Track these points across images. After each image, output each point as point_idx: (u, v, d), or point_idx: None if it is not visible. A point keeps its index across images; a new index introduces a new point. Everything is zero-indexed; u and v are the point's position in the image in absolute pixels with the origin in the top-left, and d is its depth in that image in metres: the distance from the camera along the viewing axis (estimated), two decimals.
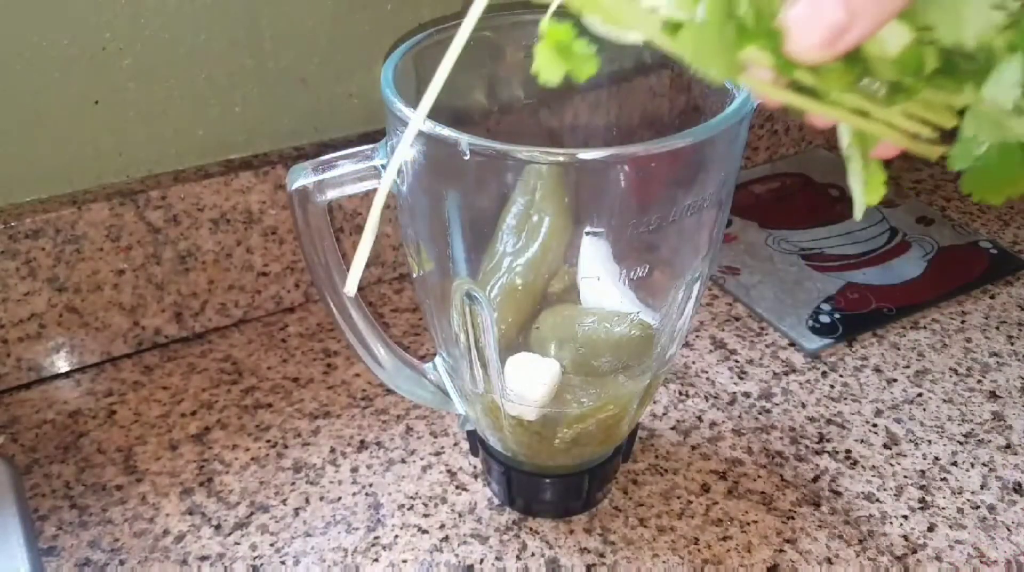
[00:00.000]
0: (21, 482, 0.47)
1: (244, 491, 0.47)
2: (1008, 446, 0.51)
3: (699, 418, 0.52)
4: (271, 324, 0.59)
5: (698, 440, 0.51)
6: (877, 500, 0.47)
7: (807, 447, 0.51)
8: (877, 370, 0.56)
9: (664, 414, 0.52)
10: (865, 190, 0.28)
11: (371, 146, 0.38)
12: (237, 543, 0.45)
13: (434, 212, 0.37)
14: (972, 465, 0.49)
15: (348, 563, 0.44)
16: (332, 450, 0.50)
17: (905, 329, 0.59)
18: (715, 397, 0.54)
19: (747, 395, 0.54)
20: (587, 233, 0.37)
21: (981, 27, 0.23)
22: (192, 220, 0.54)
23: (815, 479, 0.49)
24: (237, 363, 0.56)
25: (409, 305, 0.61)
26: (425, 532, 0.45)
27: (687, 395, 0.54)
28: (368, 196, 0.58)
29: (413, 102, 0.35)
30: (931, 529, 0.46)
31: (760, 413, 0.53)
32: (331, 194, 0.38)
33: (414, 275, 0.42)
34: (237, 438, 0.50)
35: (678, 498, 0.47)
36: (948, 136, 0.27)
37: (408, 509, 0.46)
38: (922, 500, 0.47)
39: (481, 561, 0.44)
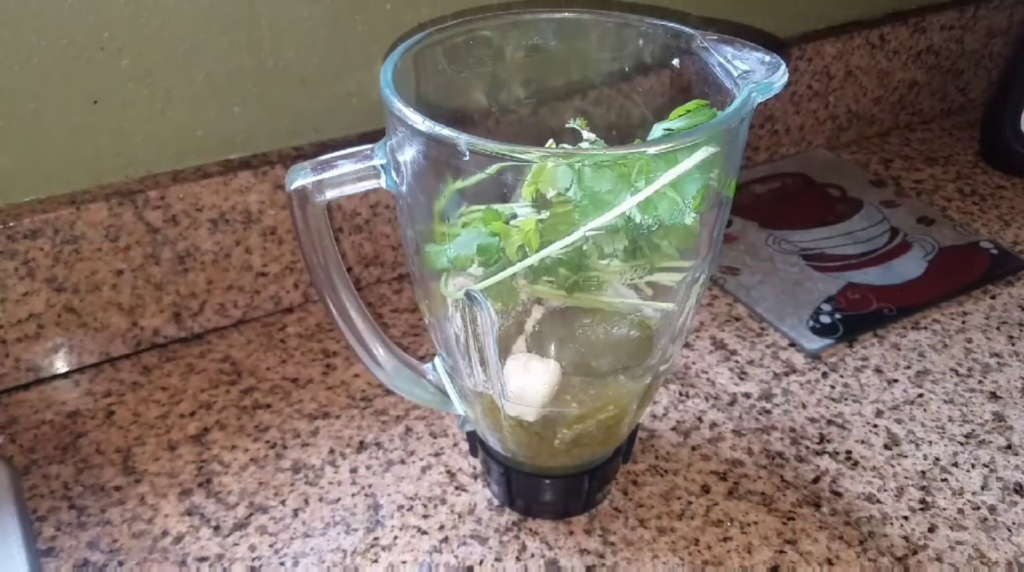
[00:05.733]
0: (20, 483, 0.47)
1: (243, 492, 0.47)
2: (1009, 447, 0.51)
3: (699, 419, 0.52)
4: (270, 324, 0.59)
5: (698, 441, 0.51)
6: (878, 501, 0.47)
7: (808, 448, 0.50)
8: (878, 371, 0.56)
9: (664, 415, 0.52)
10: None
11: (370, 146, 0.38)
12: (236, 544, 0.44)
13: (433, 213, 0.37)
14: (973, 466, 0.49)
15: (347, 564, 0.43)
16: (331, 451, 0.50)
17: (906, 329, 0.59)
18: (715, 398, 0.54)
19: (747, 396, 0.54)
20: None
21: None
22: (191, 220, 0.54)
23: (816, 480, 0.48)
24: (236, 364, 0.56)
25: (408, 305, 0.61)
26: (424, 533, 0.45)
27: (687, 396, 0.54)
28: (367, 196, 0.58)
29: (412, 102, 0.35)
30: (932, 530, 0.46)
31: (760, 414, 0.53)
32: (330, 194, 0.38)
33: (413, 277, 0.41)
34: (236, 439, 0.50)
35: (678, 499, 0.47)
36: None
37: (407, 510, 0.46)
38: (923, 501, 0.47)
39: (481, 562, 0.44)
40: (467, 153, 0.32)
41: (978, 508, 0.47)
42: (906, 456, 0.50)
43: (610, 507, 0.47)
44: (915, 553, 0.44)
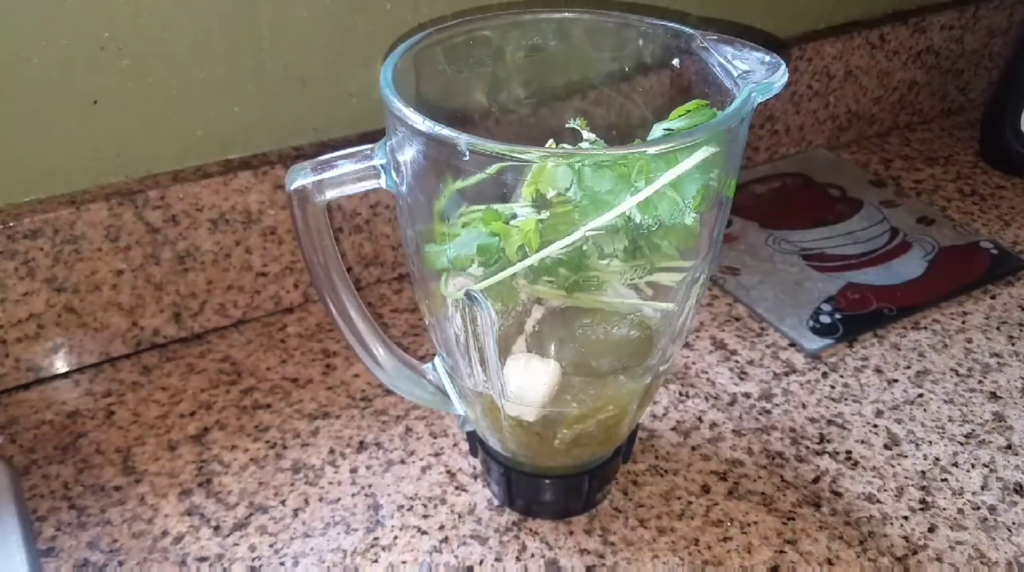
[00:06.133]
0: (20, 483, 0.47)
1: (243, 492, 0.47)
2: (1009, 447, 0.51)
3: (699, 419, 0.52)
4: (270, 324, 0.59)
5: (698, 441, 0.51)
6: (878, 501, 0.47)
7: (808, 448, 0.50)
8: (878, 371, 0.56)
9: (664, 415, 0.52)
10: None
11: (370, 146, 0.38)
12: (236, 544, 0.44)
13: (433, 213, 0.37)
14: (973, 466, 0.49)
15: (347, 564, 0.43)
16: (331, 451, 0.50)
17: (906, 329, 0.59)
18: (715, 398, 0.54)
19: (747, 396, 0.54)
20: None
21: None
22: (191, 220, 0.54)
23: (816, 480, 0.48)
24: (236, 364, 0.56)
25: (408, 305, 0.61)
26: (424, 533, 0.45)
27: (687, 396, 0.54)
28: (367, 196, 0.58)
29: (412, 102, 0.35)
30: (932, 530, 0.46)
31: (760, 414, 0.53)
32: (330, 194, 0.38)
33: (413, 277, 0.41)
34: (236, 439, 0.50)
35: (678, 499, 0.47)
36: None
37: (407, 510, 0.46)
38: (923, 501, 0.47)
39: (481, 562, 0.44)
40: (467, 153, 0.32)
41: (978, 508, 0.47)
42: (906, 456, 0.50)
43: (610, 507, 0.47)
44: (915, 553, 0.44)
